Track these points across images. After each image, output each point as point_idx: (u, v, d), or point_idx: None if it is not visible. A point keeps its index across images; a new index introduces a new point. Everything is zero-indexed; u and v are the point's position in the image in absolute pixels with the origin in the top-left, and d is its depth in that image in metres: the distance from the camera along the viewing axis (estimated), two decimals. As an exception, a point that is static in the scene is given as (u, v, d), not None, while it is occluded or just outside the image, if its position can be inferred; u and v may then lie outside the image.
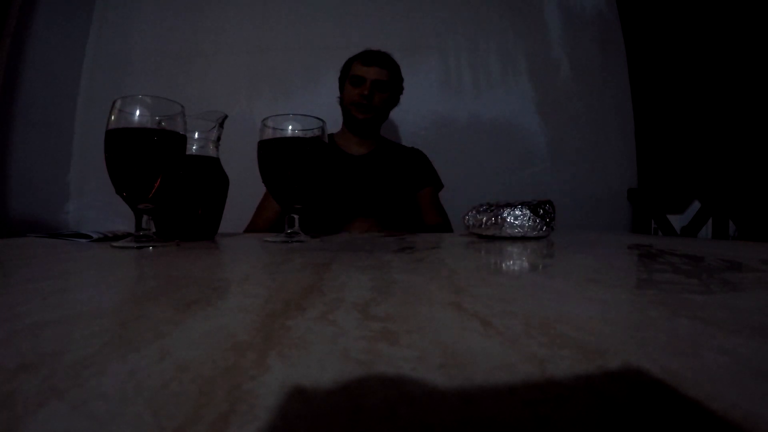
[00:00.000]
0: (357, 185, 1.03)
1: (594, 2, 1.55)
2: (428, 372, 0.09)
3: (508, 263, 0.31)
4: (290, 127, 0.52)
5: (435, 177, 1.12)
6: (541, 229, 0.51)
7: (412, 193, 1.08)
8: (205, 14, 1.55)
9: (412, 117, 1.48)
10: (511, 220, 0.51)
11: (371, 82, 1.02)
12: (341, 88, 1.10)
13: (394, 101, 1.11)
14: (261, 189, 0.54)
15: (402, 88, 1.12)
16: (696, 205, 1.31)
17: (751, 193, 1.10)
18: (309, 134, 0.53)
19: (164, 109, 0.45)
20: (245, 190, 1.09)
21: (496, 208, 0.54)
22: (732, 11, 1.20)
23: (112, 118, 0.43)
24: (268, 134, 0.52)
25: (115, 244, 0.42)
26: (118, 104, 0.43)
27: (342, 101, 1.09)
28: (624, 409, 0.08)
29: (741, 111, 1.17)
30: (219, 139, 0.58)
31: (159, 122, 0.44)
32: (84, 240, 0.48)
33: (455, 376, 0.09)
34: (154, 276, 0.26)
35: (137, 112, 0.43)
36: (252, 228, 1.03)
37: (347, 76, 1.06)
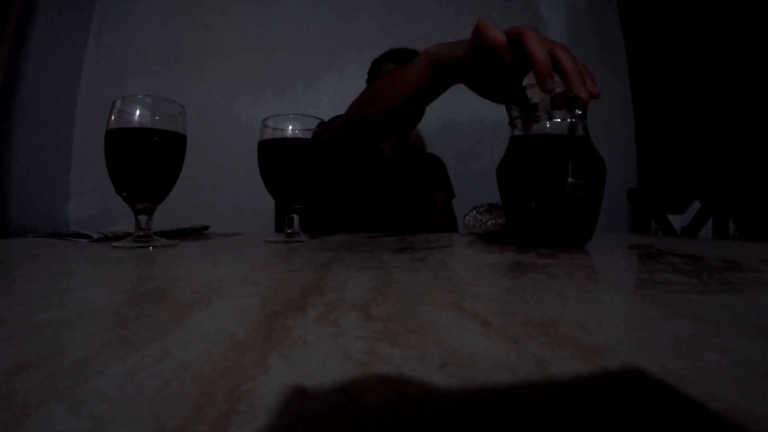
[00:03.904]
0: (392, 193, 1.02)
1: (594, 2, 1.55)
2: (428, 372, 0.09)
3: (508, 263, 0.31)
4: (290, 127, 0.52)
5: (448, 184, 1.13)
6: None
7: (428, 199, 1.09)
8: (205, 14, 1.55)
9: (412, 117, 1.48)
10: (511, 220, 0.51)
11: None
12: None
13: None
14: (261, 189, 0.54)
15: None
16: (696, 205, 1.31)
17: (751, 193, 1.10)
18: (309, 134, 0.53)
19: (164, 109, 0.45)
20: (246, 190, 1.09)
21: (496, 208, 0.54)
22: (732, 11, 1.20)
23: (112, 118, 0.43)
24: (268, 134, 0.52)
25: (115, 244, 0.42)
26: (118, 104, 0.43)
27: None
28: (624, 409, 0.08)
29: (741, 111, 1.17)
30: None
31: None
32: (84, 240, 0.48)
33: (455, 376, 0.09)
34: (154, 276, 0.26)
35: (137, 112, 0.44)
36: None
37: (378, 77, 1.03)
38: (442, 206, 1.10)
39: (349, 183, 0.96)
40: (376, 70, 1.06)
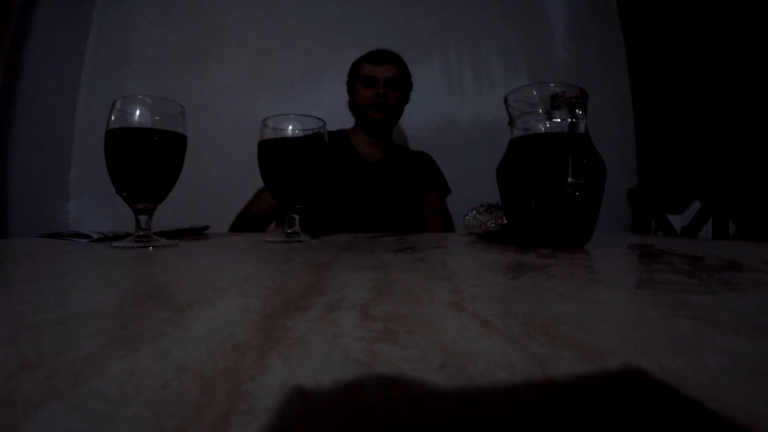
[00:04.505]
0: (373, 192, 1.02)
1: (594, 2, 1.55)
2: (428, 372, 0.09)
3: (508, 263, 0.31)
4: (290, 127, 0.52)
5: (442, 181, 1.12)
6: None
7: (419, 198, 1.08)
8: (205, 14, 1.55)
9: (414, 118, 1.48)
10: (511, 220, 0.51)
11: (385, 81, 1.00)
12: (351, 92, 1.08)
13: (406, 98, 1.10)
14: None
15: (411, 85, 1.11)
16: (696, 205, 1.31)
17: (751, 193, 1.10)
18: (309, 134, 0.53)
19: (164, 109, 0.45)
20: (246, 190, 1.09)
21: (496, 208, 0.54)
22: (732, 11, 1.20)
23: (112, 118, 0.43)
24: (269, 134, 0.52)
25: (115, 244, 0.42)
26: (118, 104, 0.43)
27: (355, 105, 1.07)
28: (624, 409, 0.08)
29: (741, 111, 1.17)
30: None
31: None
32: (84, 240, 0.48)
33: (455, 376, 0.09)
34: (154, 276, 0.26)
35: (137, 112, 0.44)
36: (249, 210, 1.00)
37: (357, 79, 1.04)
38: (437, 205, 1.07)
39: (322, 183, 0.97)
40: (354, 72, 1.07)
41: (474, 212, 0.56)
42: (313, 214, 0.97)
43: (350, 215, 1.00)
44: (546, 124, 0.42)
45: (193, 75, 1.52)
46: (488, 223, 0.53)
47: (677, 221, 1.37)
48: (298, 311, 0.15)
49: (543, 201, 0.40)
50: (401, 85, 1.05)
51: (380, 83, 1.00)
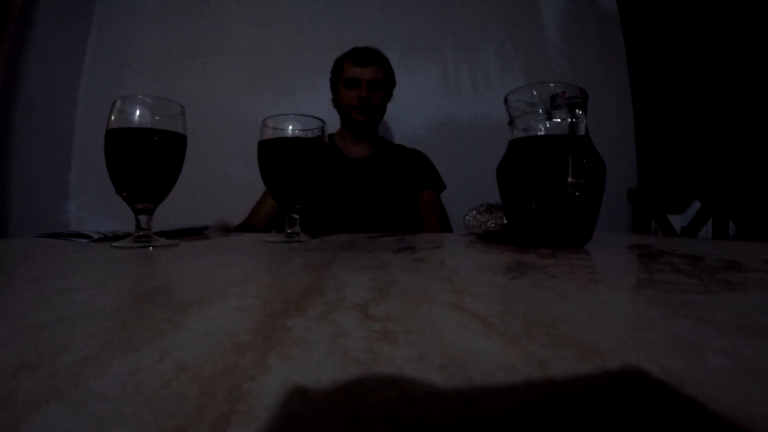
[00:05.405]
0: (358, 189, 1.02)
1: (594, 2, 1.55)
2: (428, 372, 0.09)
3: (508, 263, 0.31)
4: (290, 127, 0.52)
5: (437, 178, 1.11)
6: (542, 229, 0.51)
7: (413, 196, 1.07)
8: (205, 14, 1.55)
9: (412, 117, 1.48)
10: (511, 220, 0.51)
11: (367, 83, 1.00)
12: (335, 90, 1.08)
13: (389, 96, 1.10)
14: (261, 189, 0.54)
15: (395, 83, 1.10)
16: (696, 205, 1.31)
17: (751, 193, 1.10)
18: (309, 134, 0.53)
19: (164, 109, 0.45)
20: (246, 189, 1.10)
21: (496, 208, 0.54)
22: (732, 11, 1.20)
23: (112, 118, 0.43)
24: (269, 134, 0.52)
25: (115, 244, 0.42)
26: (118, 104, 0.43)
27: (338, 104, 1.07)
28: (624, 409, 0.08)
29: (741, 111, 1.17)
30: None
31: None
32: (84, 240, 0.48)
33: (455, 376, 0.09)
34: (154, 276, 0.26)
35: (137, 112, 0.44)
36: (247, 224, 1.02)
37: (340, 78, 1.04)
38: (432, 203, 1.07)
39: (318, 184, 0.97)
40: (338, 70, 1.07)
41: (474, 212, 0.56)
42: (309, 214, 0.97)
43: (343, 213, 0.99)
44: (546, 124, 0.42)
45: (193, 75, 1.52)
46: (488, 223, 0.53)
47: (677, 221, 1.37)
48: (298, 311, 0.15)
49: (543, 201, 0.40)
50: (384, 86, 1.05)
51: (363, 86, 1.00)
